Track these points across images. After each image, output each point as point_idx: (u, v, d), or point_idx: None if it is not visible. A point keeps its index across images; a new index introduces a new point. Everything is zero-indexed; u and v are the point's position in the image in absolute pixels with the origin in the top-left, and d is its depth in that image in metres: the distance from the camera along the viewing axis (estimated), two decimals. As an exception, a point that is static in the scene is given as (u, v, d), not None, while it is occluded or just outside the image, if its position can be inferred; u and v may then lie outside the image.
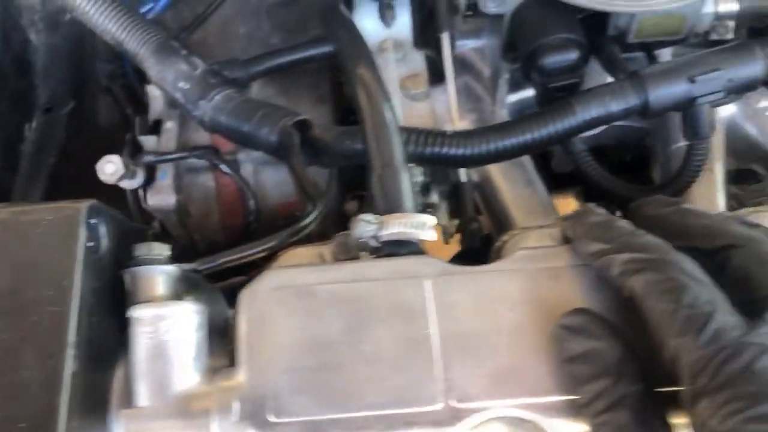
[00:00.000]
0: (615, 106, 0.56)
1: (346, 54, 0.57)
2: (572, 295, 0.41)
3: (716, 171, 0.72)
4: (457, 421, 0.39)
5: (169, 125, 0.75)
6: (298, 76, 0.77)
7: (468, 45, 0.76)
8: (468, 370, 0.40)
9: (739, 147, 0.76)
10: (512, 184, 0.72)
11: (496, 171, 0.73)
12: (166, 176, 0.73)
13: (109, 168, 0.69)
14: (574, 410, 0.38)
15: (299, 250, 0.49)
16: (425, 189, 0.66)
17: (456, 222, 0.67)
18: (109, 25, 0.66)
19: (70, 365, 0.39)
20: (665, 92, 0.56)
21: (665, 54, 0.68)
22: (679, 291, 0.36)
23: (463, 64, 0.77)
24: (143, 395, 0.41)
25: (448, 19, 0.68)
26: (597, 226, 0.41)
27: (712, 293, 0.36)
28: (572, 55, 0.62)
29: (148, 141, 0.75)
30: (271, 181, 0.75)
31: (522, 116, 0.58)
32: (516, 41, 0.66)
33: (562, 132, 0.57)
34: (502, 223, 0.71)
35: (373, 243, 0.45)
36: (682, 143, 0.72)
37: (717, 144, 0.74)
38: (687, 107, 0.58)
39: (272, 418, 0.39)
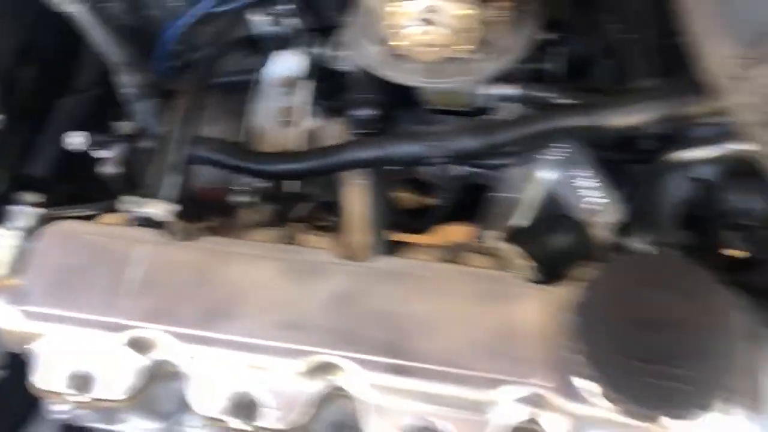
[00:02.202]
0: (361, 155, 0.75)
1: (183, 89, 0.81)
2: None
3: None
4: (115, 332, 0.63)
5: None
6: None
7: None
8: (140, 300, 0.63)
9: (555, 205, 0.91)
10: (356, 203, 0.92)
11: (347, 190, 0.93)
12: (115, 153, 1.01)
13: (75, 140, 0.98)
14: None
15: (112, 215, 0.75)
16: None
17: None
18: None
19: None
20: (406, 150, 0.75)
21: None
22: None
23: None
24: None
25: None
26: None
27: None
28: (370, 112, 0.82)
29: (121, 126, 1.04)
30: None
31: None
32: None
33: (320, 169, 0.77)
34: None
35: (134, 215, 0.69)
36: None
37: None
38: (421, 164, 0.76)
39: (26, 305, 0.65)
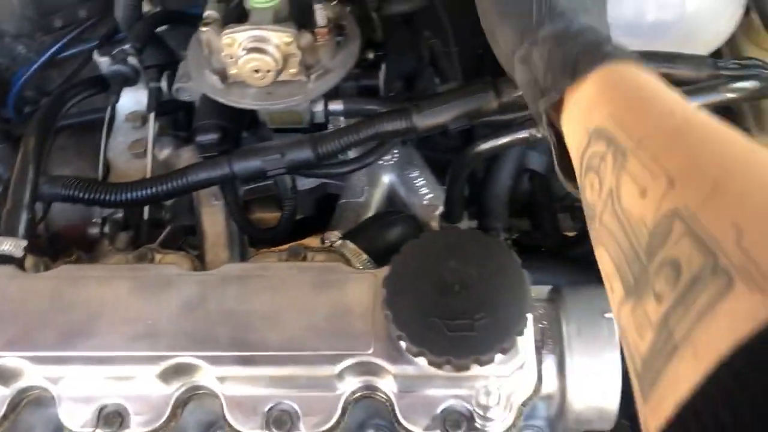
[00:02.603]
0: (205, 174, 0.82)
1: (28, 131, 0.85)
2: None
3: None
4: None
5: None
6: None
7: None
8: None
9: (396, 204, 1.01)
10: (212, 223, 0.98)
11: (203, 212, 0.99)
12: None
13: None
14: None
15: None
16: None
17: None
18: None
19: None
20: (246, 166, 0.82)
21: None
22: None
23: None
24: None
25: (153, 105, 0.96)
26: None
27: None
28: (213, 136, 0.88)
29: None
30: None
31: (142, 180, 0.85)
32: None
33: (167, 193, 0.83)
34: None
35: (-13, 254, 0.73)
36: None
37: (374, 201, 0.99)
38: (266, 177, 0.83)
39: None
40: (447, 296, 0.60)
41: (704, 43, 0.87)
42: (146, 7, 1.18)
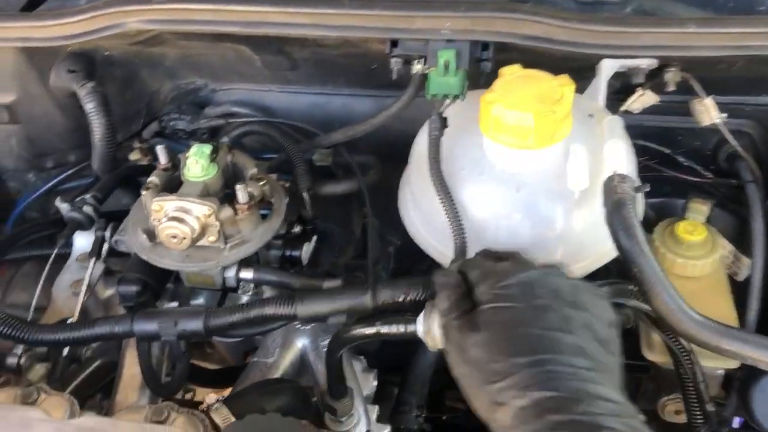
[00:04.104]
0: (108, 329, 0.90)
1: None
2: None
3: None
4: None
5: None
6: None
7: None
8: None
9: (307, 368, 1.06)
10: (131, 364, 1.05)
11: (128, 352, 1.07)
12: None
13: None
14: None
15: None
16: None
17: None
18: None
19: None
20: (143, 327, 0.89)
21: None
22: None
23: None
24: None
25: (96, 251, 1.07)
26: None
27: None
28: (133, 288, 0.97)
29: None
30: None
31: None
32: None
33: (74, 340, 0.90)
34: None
35: None
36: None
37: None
38: (156, 339, 0.90)
39: None
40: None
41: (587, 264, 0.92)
42: (136, 156, 1.33)
